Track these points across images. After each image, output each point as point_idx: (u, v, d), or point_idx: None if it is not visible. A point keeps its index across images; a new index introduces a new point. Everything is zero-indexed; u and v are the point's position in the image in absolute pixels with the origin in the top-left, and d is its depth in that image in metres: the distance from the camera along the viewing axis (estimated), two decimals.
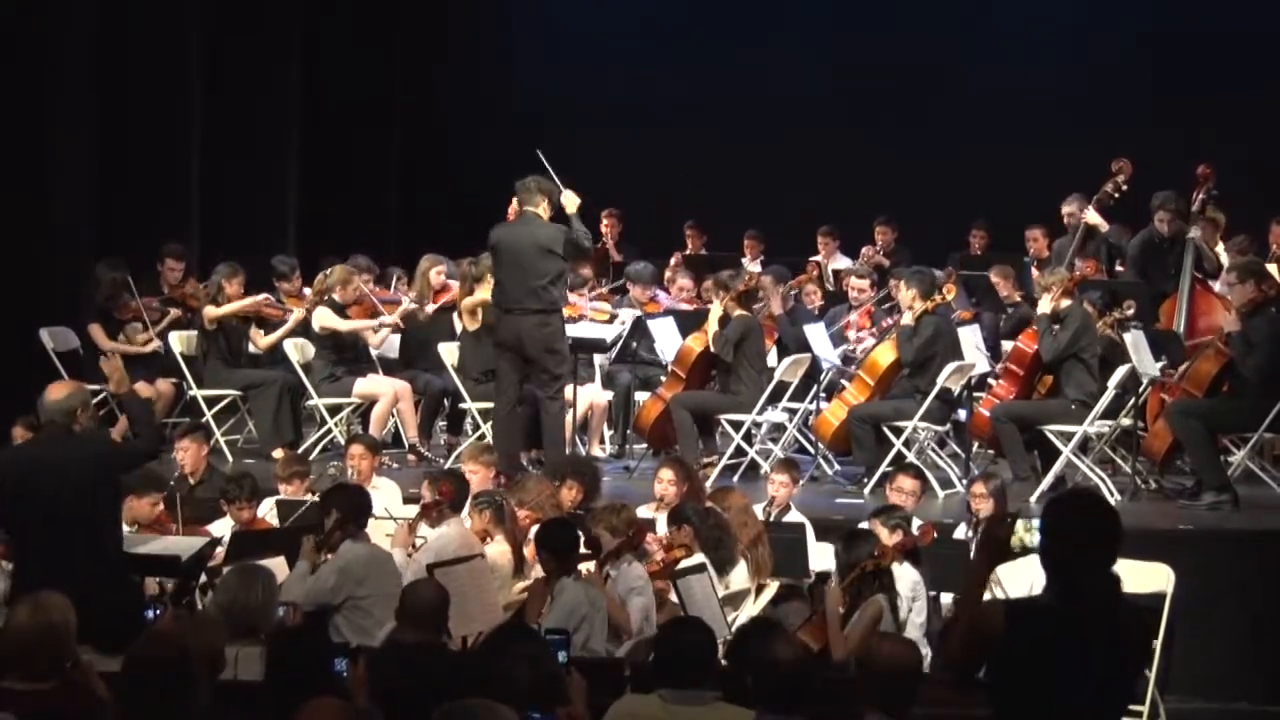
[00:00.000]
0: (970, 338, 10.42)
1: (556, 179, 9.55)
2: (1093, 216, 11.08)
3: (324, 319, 10.49)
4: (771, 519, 8.29)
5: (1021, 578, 7.81)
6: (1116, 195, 11.03)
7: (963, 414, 10.13)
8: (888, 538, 7.31)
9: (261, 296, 10.76)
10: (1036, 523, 4.30)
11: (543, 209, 9.41)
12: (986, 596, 7.66)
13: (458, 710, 3.83)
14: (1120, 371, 9.38)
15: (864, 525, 7.63)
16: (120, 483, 6.99)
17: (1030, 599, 4.20)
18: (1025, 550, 4.31)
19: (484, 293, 10.41)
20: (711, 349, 10.10)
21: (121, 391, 7.03)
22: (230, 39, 13.52)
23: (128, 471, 7.09)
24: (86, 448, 6.76)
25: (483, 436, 10.21)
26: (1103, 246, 11.17)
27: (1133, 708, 6.79)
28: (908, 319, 9.89)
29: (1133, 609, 4.32)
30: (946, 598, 7.64)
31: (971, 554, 7.24)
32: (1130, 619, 4.29)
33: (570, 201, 9.46)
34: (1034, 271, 11.30)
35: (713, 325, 10.12)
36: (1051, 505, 4.36)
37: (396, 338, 11.11)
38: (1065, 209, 11.36)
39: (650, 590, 7.18)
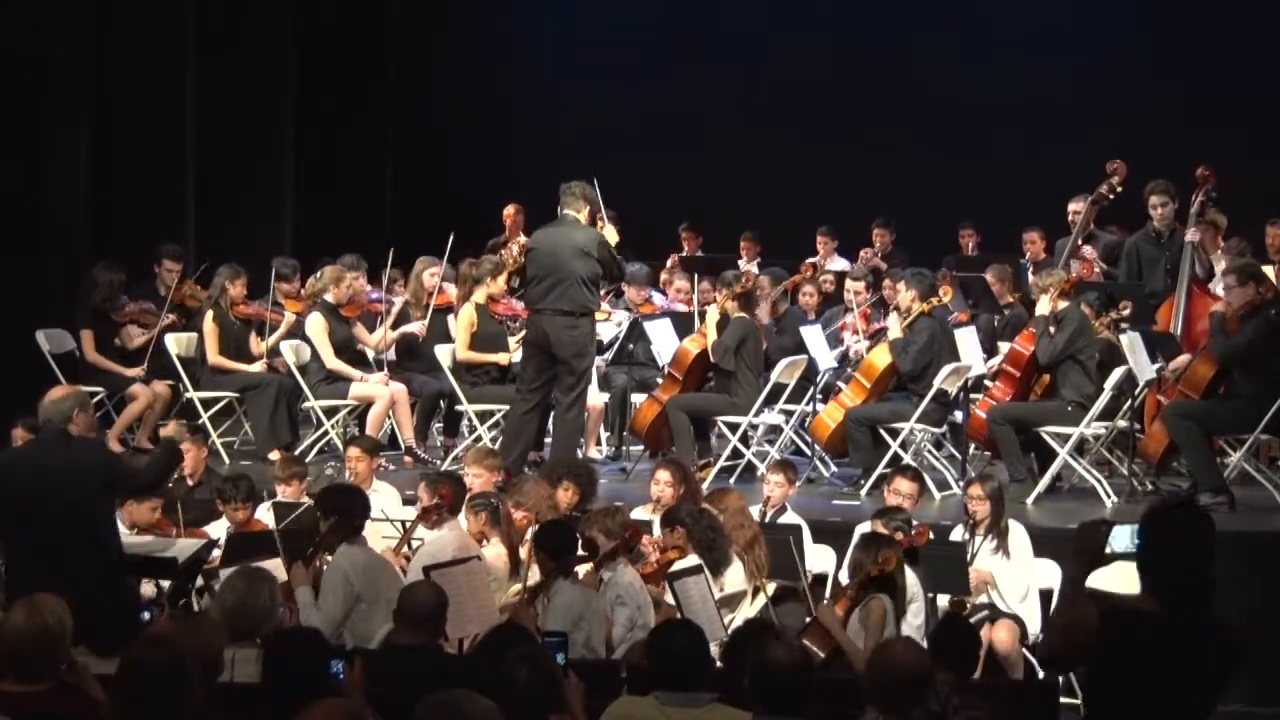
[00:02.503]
0: (967, 339, 10.41)
1: (603, 209, 9.67)
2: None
3: (314, 331, 10.48)
4: (767, 519, 8.30)
5: (1020, 581, 7.87)
6: (1111, 196, 11.03)
7: (959, 416, 10.13)
8: None
9: (256, 367, 10.71)
10: (1127, 530, 4.36)
11: (583, 215, 9.41)
12: (983, 599, 7.78)
13: (436, 702, 3.83)
14: (1117, 373, 9.39)
15: (865, 526, 7.63)
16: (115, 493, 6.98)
17: (1127, 605, 4.29)
18: (1117, 556, 4.37)
19: (481, 295, 10.41)
20: (712, 358, 10.08)
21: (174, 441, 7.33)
22: (224, 38, 13.52)
23: (119, 490, 7.05)
24: (83, 455, 6.73)
25: (479, 439, 10.21)
26: (1099, 245, 11.17)
27: None
28: (894, 332, 9.87)
29: (1221, 622, 4.35)
30: (943, 599, 7.65)
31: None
32: (1224, 630, 4.33)
33: (610, 235, 9.58)
34: (1030, 275, 11.29)
35: (711, 330, 10.10)
36: (1152, 515, 4.42)
37: (393, 337, 11.09)
38: (1072, 206, 11.37)
39: (640, 597, 7.16)
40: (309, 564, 7.01)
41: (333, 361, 10.46)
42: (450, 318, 10.76)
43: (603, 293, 11.82)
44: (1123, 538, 4.36)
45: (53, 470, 6.66)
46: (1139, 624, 4.24)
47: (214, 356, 10.55)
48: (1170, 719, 4.26)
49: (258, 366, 10.67)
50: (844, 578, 7.50)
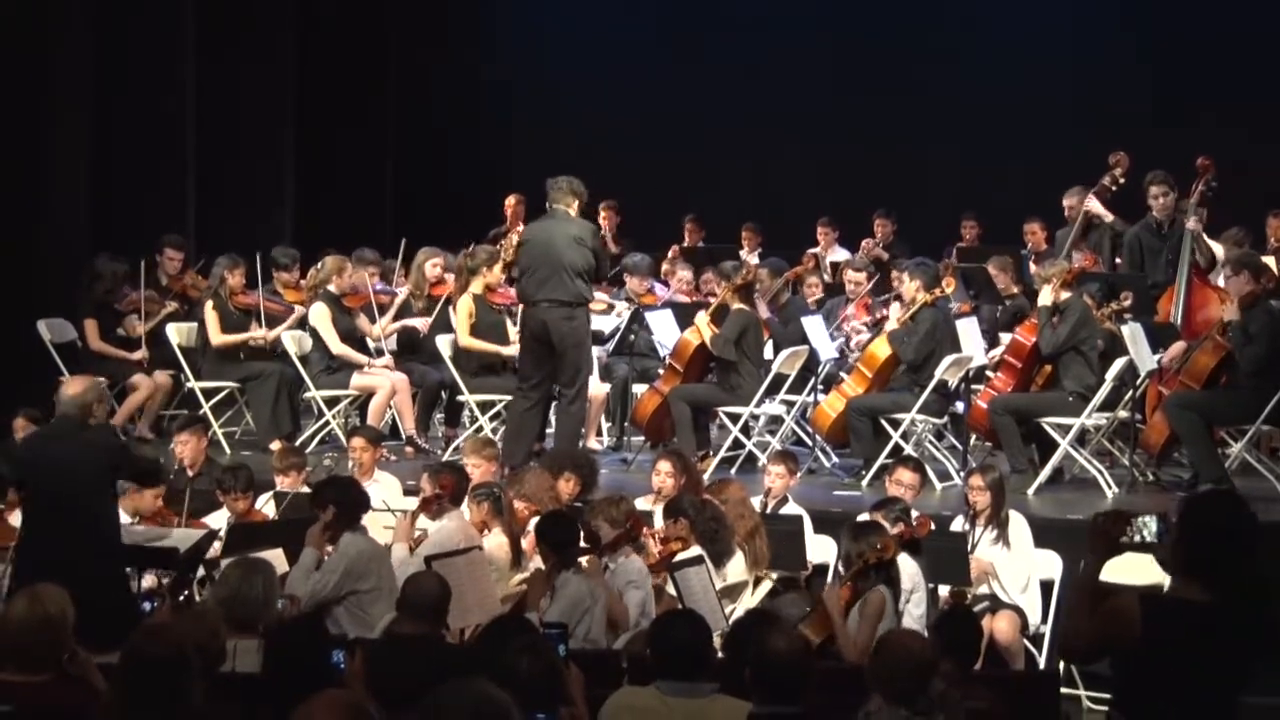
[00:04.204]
0: (968, 330, 10.41)
1: None
2: (1094, 205, 11.08)
3: (318, 319, 10.48)
4: (768, 510, 8.30)
5: (1020, 571, 7.88)
6: (1114, 188, 11.04)
7: (960, 406, 10.12)
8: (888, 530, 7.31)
9: (246, 337, 10.72)
10: (1149, 520, 4.37)
11: (574, 209, 9.42)
12: (984, 589, 7.77)
13: (451, 690, 3.83)
14: (1118, 364, 9.38)
15: (865, 518, 7.63)
16: (114, 481, 7.00)
17: (1167, 595, 4.29)
18: (1137, 546, 4.37)
19: (478, 285, 10.41)
20: (712, 350, 10.05)
21: None
22: (225, 33, 13.53)
23: (122, 473, 7.07)
24: (91, 440, 6.76)
25: (480, 429, 10.22)
26: (1105, 237, 11.17)
27: None
28: (893, 324, 9.87)
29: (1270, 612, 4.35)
30: (944, 590, 7.65)
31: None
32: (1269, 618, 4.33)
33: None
34: (1032, 265, 11.30)
35: (704, 326, 10.06)
36: (1191, 504, 4.43)
37: (394, 328, 11.10)
38: (1066, 201, 11.39)
39: (648, 583, 7.20)
40: (323, 538, 7.03)
41: (339, 347, 10.45)
42: (451, 309, 10.77)
43: (602, 284, 11.86)
44: (1145, 528, 4.36)
45: (62, 458, 6.70)
46: (1185, 613, 4.25)
47: (218, 336, 10.53)
48: (1208, 706, 4.28)
49: (273, 334, 10.63)
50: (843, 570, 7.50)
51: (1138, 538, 4.36)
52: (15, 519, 7.80)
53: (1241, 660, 4.29)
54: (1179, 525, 4.33)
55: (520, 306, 9.74)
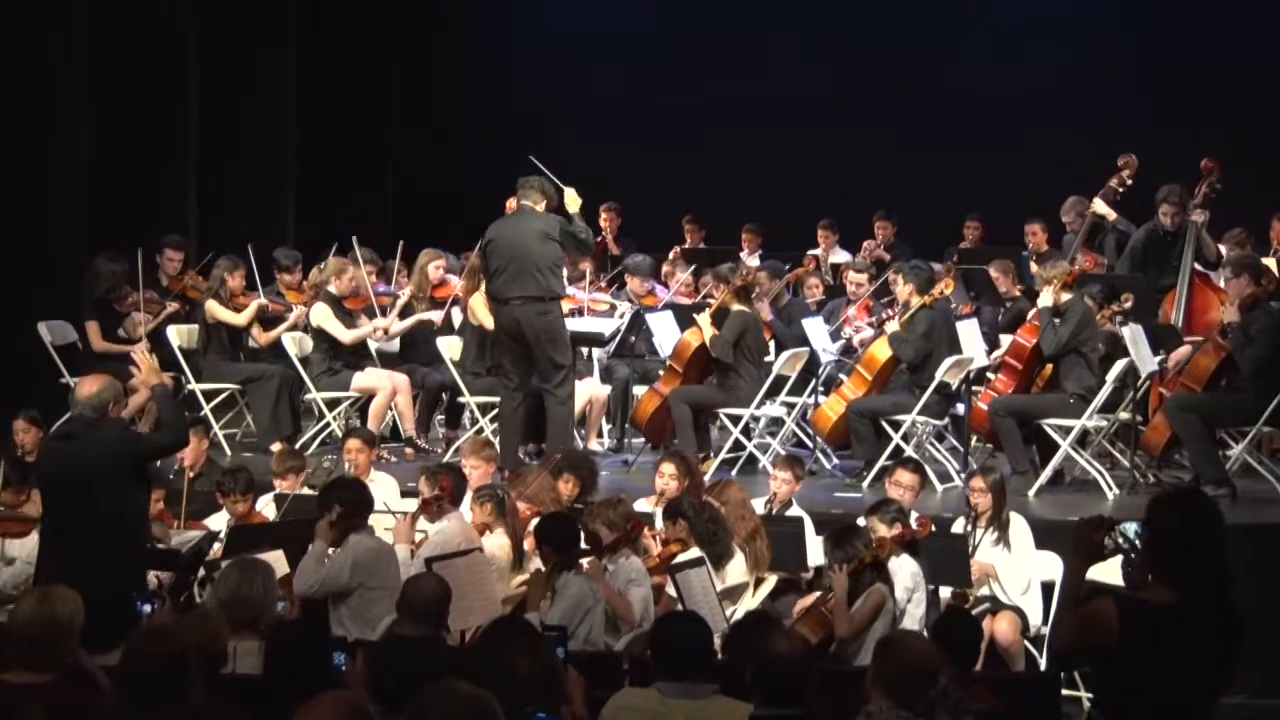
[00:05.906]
0: (969, 332, 10.41)
1: (555, 179, 9.55)
2: (1100, 205, 11.08)
3: (321, 317, 10.48)
4: (772, 514, 8.29)
5: (1021, 573, 7.87)
6: (1121, 190, 11.04)
7: (961, 408, 10.11)
8: (885, 532, 7.32)
9: (257, 304, 10.69)
10: (1129, 525, 4.40)
11: (540, 206, 9.40)
12: (984, 591, 7.77)
13: (435, 691, 3.85)
14: (1119, 365, 9.39)
15: (859, 521, 7.63)
16: (147, 474, 6.99)
17: (1140, 596, 4.31)
18: (1118, 551, 4.39)
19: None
20: (712, 353, 10.04)
21: (152, 383, 7.04)
22: (227, 32, 13.54)
23: (150, 461, 7.06)
24: (106, 437, 6.75)
25: (480, 431, 10.21)
26: (1110, 237, 11.16)
27: None
28: (892, 326, 9.87)
29: (1235, 608, 4.37)
30: (945, 591, 7.66)
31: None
32: (1236, 616, 4.36)
33: (573, 200, 9.44)
34: (1033, 266, 11.30)
35: (705, 326, 10.06)
36: (1156, 506, 4.43)
37: (404, 326, 11.08)
38: (1065, 217, 11.40)
39: (648, 582, 7.20)
40: (330, 533, 7.04)
41: (347, 336, 10.45)
42: (459, 310, 10.75)
43: (603, 285, 11.86)
44: (1125, 533, 4.38)
45: (78, 457, 6.69)
46: (1157, 615, 4.26)
47: (223, 313, 10.49)
48: (1187, 708, 4.30)
49: (272, 335, 10.64)
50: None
51: (1120, 542, 4.38)
52: None
53: (1217, 661, 4.32)
54: (1147, 527, 4.35)
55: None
